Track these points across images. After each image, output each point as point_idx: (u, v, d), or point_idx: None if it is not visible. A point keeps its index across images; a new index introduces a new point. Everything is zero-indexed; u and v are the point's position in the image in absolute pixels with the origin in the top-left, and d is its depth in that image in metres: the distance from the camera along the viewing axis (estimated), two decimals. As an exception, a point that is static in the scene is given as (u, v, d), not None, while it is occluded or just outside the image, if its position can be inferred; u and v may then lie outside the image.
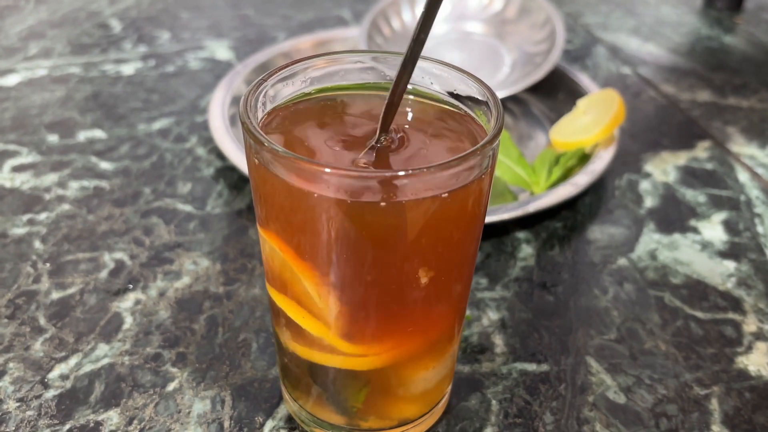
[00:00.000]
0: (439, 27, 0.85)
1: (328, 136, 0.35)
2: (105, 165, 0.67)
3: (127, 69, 0.85)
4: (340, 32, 0.89)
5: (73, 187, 0.64)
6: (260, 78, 0.36)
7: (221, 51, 0.91)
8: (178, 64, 0.87)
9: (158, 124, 0.74)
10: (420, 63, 0.37)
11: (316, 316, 0.35)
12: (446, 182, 0.30)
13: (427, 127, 0.36)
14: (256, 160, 0.32)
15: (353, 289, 0.33)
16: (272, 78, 0.36)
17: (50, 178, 0.65)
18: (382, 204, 0.30)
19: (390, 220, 0.31)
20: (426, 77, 0.37)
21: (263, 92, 0.36)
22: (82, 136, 0.71)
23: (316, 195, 0.30)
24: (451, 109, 0.37)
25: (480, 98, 0.35)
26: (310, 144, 0.34)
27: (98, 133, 0.72)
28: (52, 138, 0.71)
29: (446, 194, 0.31)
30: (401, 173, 0.29)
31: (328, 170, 0.29)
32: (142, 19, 0.99)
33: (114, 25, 0.97)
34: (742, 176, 0.70)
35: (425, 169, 0.29)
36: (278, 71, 0.37)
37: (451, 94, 0.37)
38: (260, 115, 0.35)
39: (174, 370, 0.46)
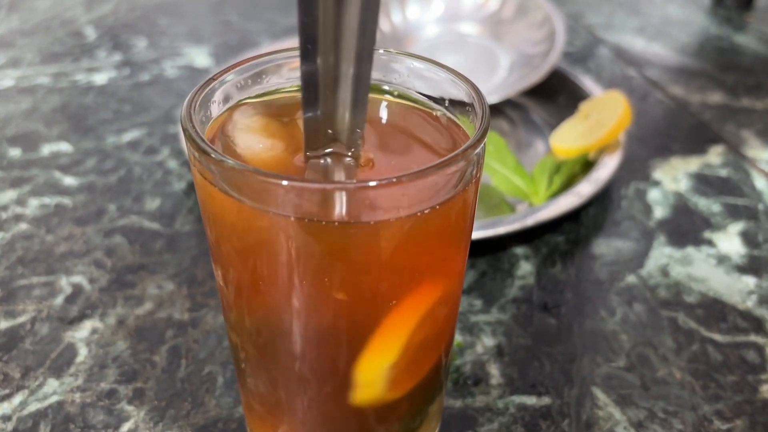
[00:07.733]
0: (431, 28, 0.83)
1: (285, 147, 0.31)
2: (69, 180, 0.63)
3: (100, 78, 0.81)
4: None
5: (33, 205, 0.59)
6: (210, 77, 0.32)
7: (200, 58, 0.87)
8: (154, 73, 0.83)
9: (128, 136, 0.70)
10: (391, 57, 0.33)
11: (279, 348, 0.32)
12: (425, 195, 0.27)
13: (399, 133, 0.32)
14: (201, 175, 0.28)
15: (319, 319, 0.30)
16: (227, 75, 0.33)
17: (8, 196, 0.61)
18: (349, 222, 0.26)
19: (358, 240, 0.27)
20: (396, 73, 0.33)
21: (214, 94, 0.32)
22: (47, 149, 0.67)
23: (270, 214, 0.26)
24: (429, 110, 0.33)
25: (464, 98, 0.31)
26: (263, 156, 0.31)
27: (64, 147, 0.68)
28: (14, 152, 0.67)
29: (425, 210, 0.27)
30: (371, 184, 0.25)
31: (285, 183, 0.25)
32: (119, 26, 0.95)
33: (89, 33, 0.93)
34: (760, 183, 0.67)
35: (395, 179, 0.25)
36: (233, 68, 0.33)
37: (428, 96, 0.33)
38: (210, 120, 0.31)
39: (130, 408, 0.43)
